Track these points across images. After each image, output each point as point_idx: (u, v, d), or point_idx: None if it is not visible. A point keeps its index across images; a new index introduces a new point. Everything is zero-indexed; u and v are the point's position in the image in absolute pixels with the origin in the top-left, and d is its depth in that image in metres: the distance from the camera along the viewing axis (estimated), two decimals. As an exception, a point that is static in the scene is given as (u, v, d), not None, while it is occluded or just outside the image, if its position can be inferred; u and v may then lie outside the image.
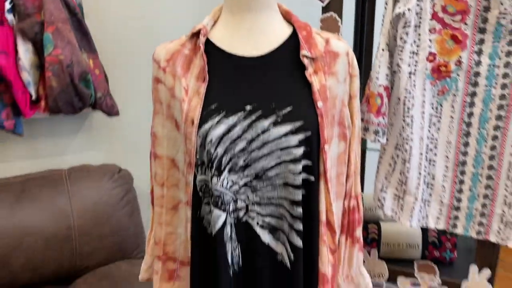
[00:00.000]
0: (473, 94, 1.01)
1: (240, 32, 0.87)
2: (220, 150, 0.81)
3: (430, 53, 1.01)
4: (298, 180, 0.83)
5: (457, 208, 1.09)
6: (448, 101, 1.04)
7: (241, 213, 0.86)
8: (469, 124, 1.03)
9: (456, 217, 1.10)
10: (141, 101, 1.73)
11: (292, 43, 0.87)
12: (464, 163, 1.06)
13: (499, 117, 1.00)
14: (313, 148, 0.84)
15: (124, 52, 1.71)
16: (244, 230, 0.85)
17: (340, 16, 1.11)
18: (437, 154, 1.08)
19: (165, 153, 0.91)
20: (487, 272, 1.13)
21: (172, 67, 0.86)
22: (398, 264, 1.27)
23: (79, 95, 1.43)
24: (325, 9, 1.13)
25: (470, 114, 1.02)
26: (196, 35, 0.87)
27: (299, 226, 0.84)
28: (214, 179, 0.82)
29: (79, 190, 1.56)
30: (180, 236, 0.94)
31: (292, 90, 0.85)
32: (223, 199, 0.83)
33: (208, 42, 0.87)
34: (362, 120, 1.05)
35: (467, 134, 1.04)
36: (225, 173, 0.82)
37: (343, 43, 0.91)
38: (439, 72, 1.02)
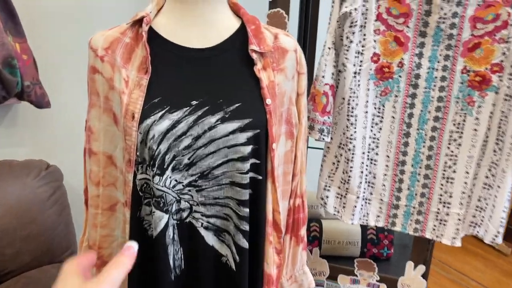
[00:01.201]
0: (413, 96, 1.04)
1: (186, 21, 0.82)
2: (163, 147, 0.77)
3: (375, 54, 1.03)
4: (246, 179, 0.80)
5: (396, 206, 1.12)
6: (390, 101, 1.06)
7: (185, 214, 0.81)
8: (409, 125, 1.06)
9: (395, 215, 1.13)
10: (72, 91, 1.62)
11: (241, 37, 0.84)
12: (403, 163, 1.09)
13: (436, 119, 1.03)
14: (261, 146, 0.82)
15: (55, 37, 1.58)
16: (187, 232, 0.81)
17: (287, 12, 1.09)
18: (379, 153, 1.10)
19: (102, 149, 0.84)
20: (422, 268, 1.17)
21: (111, 56, 0.79)
22: (339, 262, 1.29)
23: (2, 82, 1.30)
24: (272, 4, 1.11)
25: (410, 115, 1.05)
26: (138, 23, 0.81)
27: (246, 226, 0.81)
28: (156, 178, 0.77)
29: (0, 187, 1.42)
30: (117, 239, 0.87)
31: (241, 86, 0.81)
32: (166, 199, 0.79)
33: (152, 31, 0.81)
34: (308, 118, 1.05)
35: (407, 134, 1.06)
36: (168, 171, 0.78)
37: (291, 39, 0.89)
38: (383, 73, 1.04)
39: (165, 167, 0.77)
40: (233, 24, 0.86)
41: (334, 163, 1.13)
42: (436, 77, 1.01)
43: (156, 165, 0.77)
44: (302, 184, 0.97)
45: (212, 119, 0.77)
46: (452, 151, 1.04)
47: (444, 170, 1.06)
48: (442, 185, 1.07)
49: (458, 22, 0.96)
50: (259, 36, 0.84)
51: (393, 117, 1.06)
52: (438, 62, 1.00)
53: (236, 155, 0.79)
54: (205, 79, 0.80)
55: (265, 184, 0.85)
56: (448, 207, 1.07)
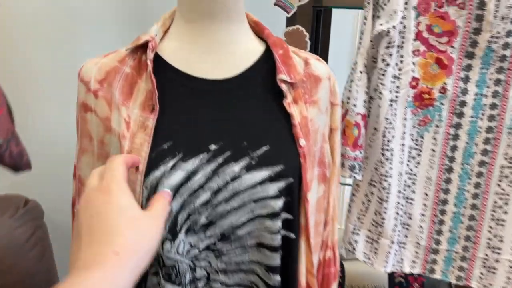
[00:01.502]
0: (458, 126, 0.89)
1: (200, 46, 0.66)
2: (175, 205, 0.60)
3: (413, 78, 0.88)
4: (277, 239, 0.65)
5: (435, 251, 0.97)
6: (430, 132, 0.91)
7: (201, 284, 0.65)
8: (452, 159, 0.91)
9: (434, 261, 0.98)
10: (55, 116, 1.43)
11: (266, 64, 0.69)
12: (444, 202, 0.94)
13: (485, 152, 0.89)
14: (293, 198, 0.67)
15: (32, 60, 1.39)
16: None
17: (308, 29, 0.94)
18: (416, 191, 0.95)
19: None
20: (464, 319, 1.03)
21: (107, 91, 0.63)
22: (364, 310, 1.14)
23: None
24: (290, 21, 0.96)
25: (454, 148, 0.91)
26: (140, 48, 0.65)
27: None
28: (167, 244, 0.61)
29: (-29, 231, 1.22)
30: None
31: (268, 124, 0.66)
32: (178, 269, 0.62)
33: (158, 59, 0.65)
34: (337, 153, 0.89)
35: (449, 169, 0.92)
36: (182, 235, 0.61)
37: (323, 64, 0.74)
38: (422, 100, 0.90)
39: (177, 229, 0.61)
40: (256, 48, 0.70)
41: (364, 203, 0.98)
42: (485, 105, 0.87)
43: (167, 228, 0.60)
44: (334, 233, 0.82)
45: (236, 168, 0.61)
46: (503, 189, 0.90)
47: (494, 211, 0.91)
48: (491, 227, 0.92)
49: (513, 41, 0.82)
50: (288, 63, 0.69)
51: (433, 150, 0.92)
52: (488, 87, 0.87)
53: (265, 210, 0.63)
54: (225, 117, 0.64)
55: (298, 242, 0.69)
56: (498, 253, 0.93)
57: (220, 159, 0.61)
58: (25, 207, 1.35)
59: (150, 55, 0.62)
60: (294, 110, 0.67)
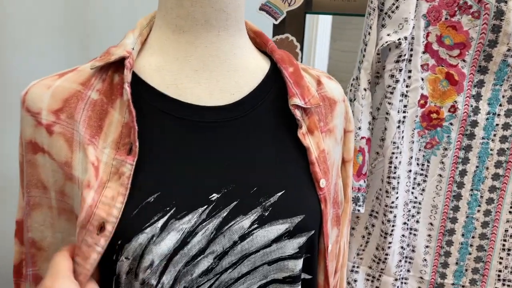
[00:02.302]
0: (468, 148, 0.80)
1: (192, 63, 0.50)
2: (167, 279, 0.44)
3: (422, 96, 0.78)
4: None
5: (441, 286, 0.88)
6: (437, 156, 0.81)
7: None
8: (460, 185, 0.82)
9: (439, 296, 0.88)
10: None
11: (274, 85, 0.54)
12: (451, 232, 0.84)
13: (496, 177, 0.81)
14: (314, 254, 0.53)
15: None
16: None
17: (300, 39, 0.81)
18: (420, 221, 0.85)
19: None
20: None
21: (67, 125, 0.45)
22: None
23: None
24: (277, 29, 0.81)
25: (463, 172, 0.81)
26: (111, 66, 0.48)
27: None
28: None
29: None
30: None
31: (281, 163, 0.52)
32: None
33: (134, 80, 0.48)
34: (338, 184, 0.77)
35: (458, 196, 0.83)
36: None
37: (336, 84, 0.61)
38: (430, 120, 0.79)
39: None
40: (261, 65, 0.55)
41: (364, 237, 0.86)
42: (497, 125, 0.79)
43: None
44: (343, 280, 0.70)
45: (245, 223, 0.47)
46: (515, 217, 0.82)
47: (504, 240, 0.83)
48: (501, 258, 0.84)
49: (531, 55, 0.74)
50: (300, 84, 0.54)
51: (440, 176, 0.82)
52: (501, 105, 0.78)
53: (282, 274, 0.50)
54: (228, 157, 0.49)
55: None
56: (508, 286, 0.85)
57: (224, 213, 0.46)
58: None
59: (128, 76, 0.45)
60: (310, 143, 0.53)
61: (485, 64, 0.76)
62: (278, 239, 0.48)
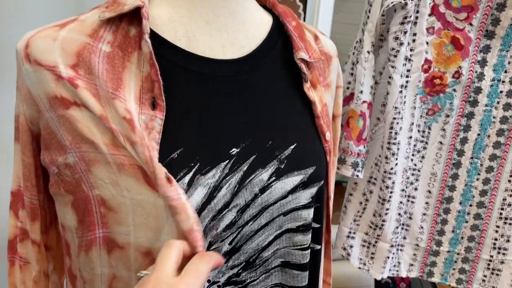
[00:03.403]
0: (470, 116, 0.79)
1: (203, 14, 0.48)
2: None
3: (426, 60, 0.76)
4: (306, 256, 0.52)
5: (436, 253, 0.88)
6: (438, 123, 0.80)
7: None
8: (460, 152, 0.81)
9: (433, 263, 0.89)
10: None
11: (279, 39, 0.53)
12: (449, 200, 0.84)
13: (497, 145, 0.80)
14: (322, 203, 0.55)
15: None
16: None
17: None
18: (418, 188, 0.84)
19: (133, 241, 0.44)
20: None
21: (89, 80, 0.43)
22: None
23: None
24: (280, -13, 0.78)
25: (464, 140, 0.80)
26: (123, 17, 0.45)
27: None
28: None
29: None
30: None
31: (291, 116, 0.52)
32: None
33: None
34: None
35: (457, 164, 0.82)
36: None
37: (329, 40, 0.61)
38: (433, 86, 0.78)
39: None
40: (264, 19, 0.54)
41: (361, 203, 0.85)
42: (501, 92, 0.77)
43: None
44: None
45: (264, 175, 0.46)
46: (514, 186, 0.81)
47: (502, 209, 0.83)
48: (497, 227, 0.84)
49: (540, 20, 0.72)
50: (304, 38, 0.53)
51: (441, 143, 0.81)
52: (506, 72, 0.76)
53: (296, 223, 0.50)
54: (242, 110, 0.48)
55: (320, 254, 0.57)
56: (504, 254, 0.85)
57: (245, 166, 0.45)
58: None
59: (147, 27, 0.43)
60: (314, 96, 0.52)
61: (492, 29, 0.74)
62: (293, 190, 0.48)
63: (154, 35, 0.45)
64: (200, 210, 0.43)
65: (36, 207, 0.51)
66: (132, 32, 0.44)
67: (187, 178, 0.42)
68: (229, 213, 0.45)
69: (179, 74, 0.45)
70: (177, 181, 0.41)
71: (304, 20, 1.11)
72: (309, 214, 0.50)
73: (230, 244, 0.47)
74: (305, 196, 0.49)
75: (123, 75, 0.43)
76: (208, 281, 0.47)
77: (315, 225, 0.53)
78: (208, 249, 0.45)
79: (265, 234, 0.49)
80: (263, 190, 0.46)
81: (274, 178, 0.46)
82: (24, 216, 0.51)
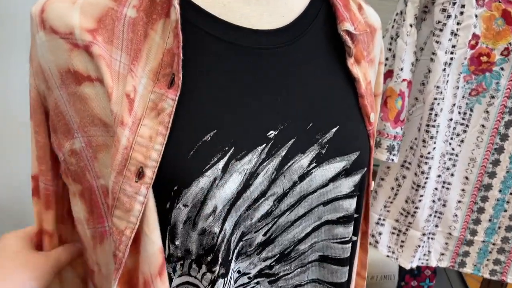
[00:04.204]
0: (517, 97, 0.73)
1: None
2: (228, 226, 0.39)
3: (474, 35, 0.69)
4: (347, 250, 0.47)
5: (469, 242, 0.83)
6: (482, 104, 0.74)
7: None
8: (504, 137, 0.75)
9: (466, 253, 0.84)
10: None
11: (320, 8, 0.47)
12: (488, 187, 0.79)
13: (545, 130, 0.74)
14: (363, 192, 0.49)
15: None
16: None
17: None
18: (455, 174, 0.79)
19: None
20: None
21: (106, 50, 0.38)
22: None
23: None
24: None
25: (508, 124, 0.74)
26: None
27: None
28: (219, 283, 0.40)
29: None
30: None
31: (334, 95, 0.46)
32: None
33: None
34: (373, 131, 0.70)
35: (500, 150, 0.76)
36: (232, 263, 0.41)
37: (373, 10, 0.54)
38: (479, 64, 0.71)
39: (230, 258, 0.41)
40: None
41: (393, 189, 0.80)
42: (553, 72, 0.71)
43: (220, 260, 0.39)
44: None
45: (304, 161, 0.41)
46: (560, 174, 0.76)
47: (545, 198, 0.78)
48: (539, 217, 0.79)
49: None
50: (348, 7, 0.47)
51: (483, 126, 0.75)
52: (560, 50, 0.70)
53: (336, 214, 0.45)
54: (281, 87, 0.43)
55: (356, 245, 0.52)
56: (543, 246, 0.80)
57: (283, 151, 0.40)
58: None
59: None
60: (358, 73, 0.47)
61: (550, 1, 0.67)
62: (335, 177, 0.43)
63: (185, 1, 0.39)
64: (235, 200, 0.38)
65: (51, 193, 0.45)
66: None
67: (221, 164, 0.37)
68: (265, 203, 0.40)
69: (212, 45, 0.40)
70: (211, 166, 0.37)
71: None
72: (351, 204, 0.45)
73: (264, 235, 0.42)
74: (348, 184, 0.44)
75: (144, 45, 0.37)
76: (238, 271, 0.43)
77: (356, 215, 0.48)
78: (240, 239, 0.41)
79: (302, 225, 0.44)
80: (302, 177, 0.41)
81: (314, 164, 0.41)
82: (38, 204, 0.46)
